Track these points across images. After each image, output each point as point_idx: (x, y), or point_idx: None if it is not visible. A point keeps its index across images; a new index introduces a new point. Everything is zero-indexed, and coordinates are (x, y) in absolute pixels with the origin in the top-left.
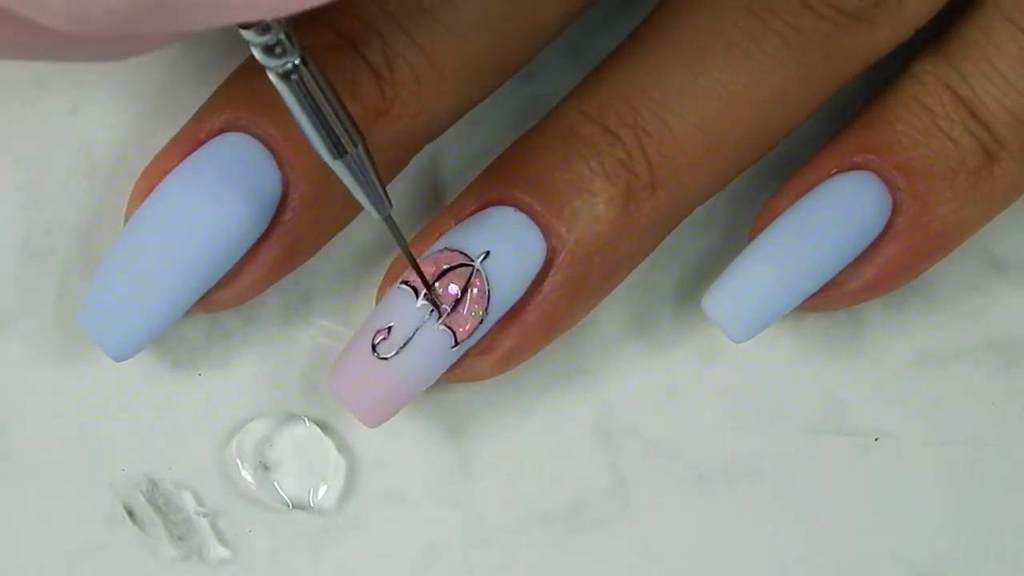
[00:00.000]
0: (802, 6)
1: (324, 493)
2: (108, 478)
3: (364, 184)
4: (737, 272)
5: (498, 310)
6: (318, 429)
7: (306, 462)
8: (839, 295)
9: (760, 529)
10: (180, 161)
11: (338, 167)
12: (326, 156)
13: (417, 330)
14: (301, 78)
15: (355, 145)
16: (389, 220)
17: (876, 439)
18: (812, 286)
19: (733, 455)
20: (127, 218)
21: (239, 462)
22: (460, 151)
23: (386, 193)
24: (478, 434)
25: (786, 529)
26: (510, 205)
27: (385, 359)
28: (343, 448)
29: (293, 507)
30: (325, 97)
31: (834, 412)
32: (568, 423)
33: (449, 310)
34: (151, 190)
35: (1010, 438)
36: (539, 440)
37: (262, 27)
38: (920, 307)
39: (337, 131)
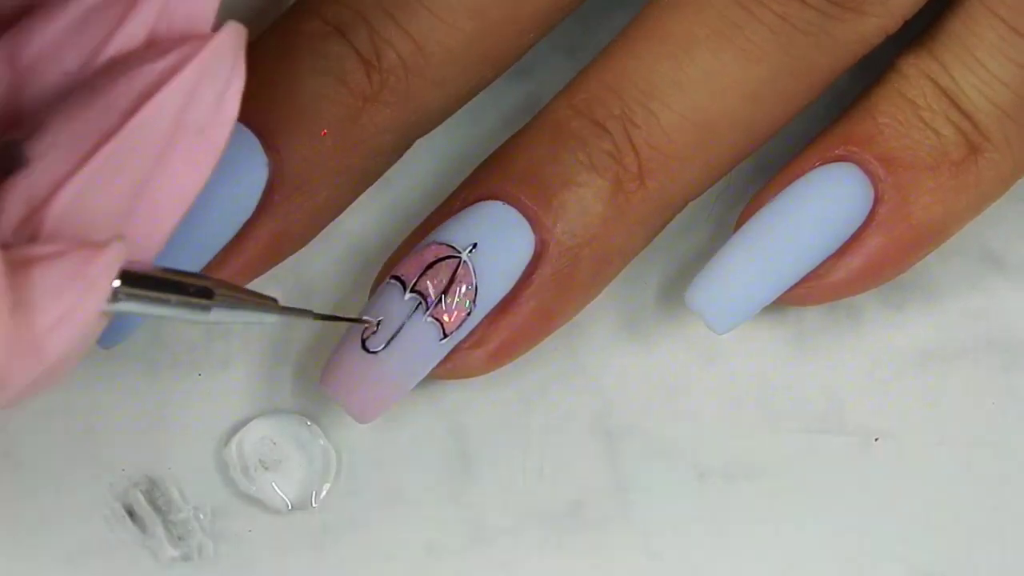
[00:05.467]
0: None
1: (324, 493)
2: (108, 478)
3: (245, 306)
4: (717, 264)
5: (487, 302)
6: (318, 429)
7: (306, 462)
8: (822, 287)
9: (760, 529)
10: None
11: (216, 316)
12: (198, 317)
13: (405, 323)
14: (129, 293)
15: (211, 294)
16: (285, 310)
17: (876, 439)
18: (792, 276)
19: (733, 455)
20: None
21: (239, 462)
22: (458, 150)
23: (263, 296)
24: (478, 433)
25: (786, 529)
26: (498, 199)
27: (374, 353)
28: (343, 448)
29: (293, 507)
30: (159, 285)
31: (834, 412)
32: (568, 422)
33: (436, 302)
34: None
35: (1010, 438)
36: (539, 439)
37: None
38: (920, 307)
39: (191, 299)
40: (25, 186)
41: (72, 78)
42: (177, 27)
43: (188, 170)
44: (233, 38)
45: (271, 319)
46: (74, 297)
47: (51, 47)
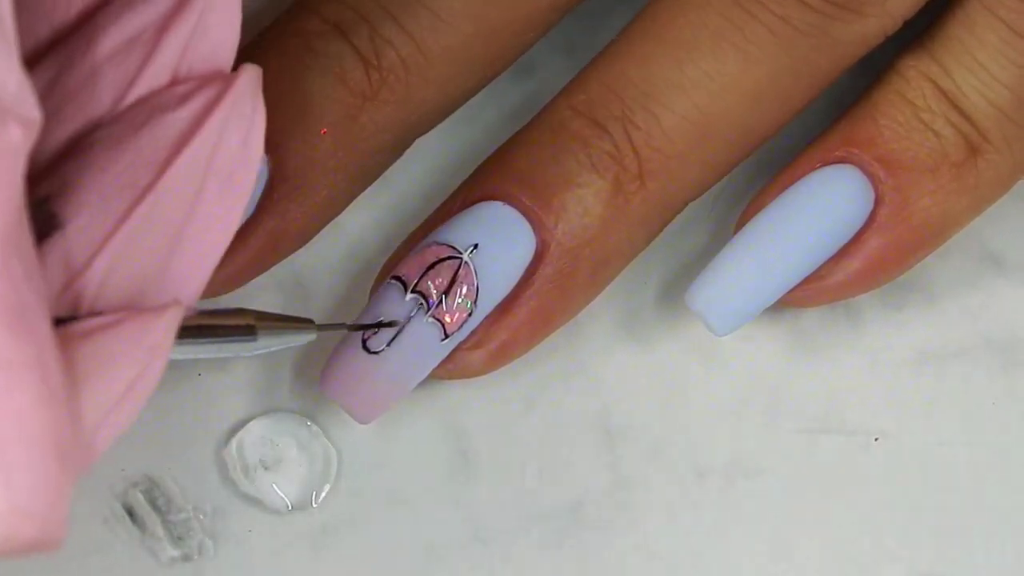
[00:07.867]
0: None
1: (324, 493)
2: (108, 478)
3: (286, 330)
4: (718, 265)
5: (488, 303)
6: (318, 429)
7: (306, 462)
8: (822, 288)
9: (760, 529)
10: None
11: (262, 344)
12: (243, 353)
13: (406, 323)
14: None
15: (253, 331)
16: (322, 327)
17: (876, 439)
18: (793, 278)
19: (733, 455)
20: None
21: (239, 462)
22: (458, 149)
23: (300, 318)
24: (478, 433)
25: (786, 529)
26: (499, 200)
27: (375, 354)
28: (343, 448)
29: (293, 507)
30: (206, 332)
31: (834, 412)
32: (568, 422)
33: (437, 302)
34: None
35: (1010, 438)
36: (539, 439)
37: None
38: (919, 306)
39: (236, 338)
40: (61, 252)
41: (96, 123)
42: (199, 66)
43: (219, 216)
44: (253, 80)
45: (310, 338)
46: (137, 368)
47: (76, 92)
